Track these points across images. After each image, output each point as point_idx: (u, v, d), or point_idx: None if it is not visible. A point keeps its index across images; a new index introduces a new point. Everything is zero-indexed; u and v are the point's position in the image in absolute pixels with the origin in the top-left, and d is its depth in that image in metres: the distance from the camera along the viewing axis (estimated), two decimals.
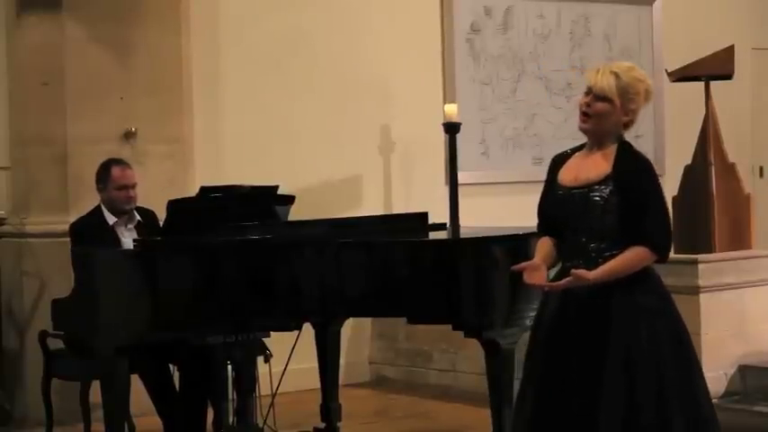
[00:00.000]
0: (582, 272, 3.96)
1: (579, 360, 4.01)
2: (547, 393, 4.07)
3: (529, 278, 4.15)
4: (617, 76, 4.06)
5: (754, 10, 10.42)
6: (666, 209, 4.08)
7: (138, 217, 6.09)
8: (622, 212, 4.00)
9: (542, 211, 4.25)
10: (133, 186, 6.06)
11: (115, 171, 6.06)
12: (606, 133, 4.10)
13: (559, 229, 4.15)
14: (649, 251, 4.00)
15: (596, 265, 4.01)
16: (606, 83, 4.05)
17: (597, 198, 4.03)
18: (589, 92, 4.09)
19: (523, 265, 4.18)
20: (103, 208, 6.07)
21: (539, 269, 4.15)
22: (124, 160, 6.28)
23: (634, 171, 4.04)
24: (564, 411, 4.01)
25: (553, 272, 4.30)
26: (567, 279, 4.00)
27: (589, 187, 4.05)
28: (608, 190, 4.02)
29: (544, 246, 4.23)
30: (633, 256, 3.99)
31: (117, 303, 5.49)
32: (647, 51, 9.79)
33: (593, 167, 4.08)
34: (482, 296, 4.82)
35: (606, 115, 4.07)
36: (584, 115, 4.10)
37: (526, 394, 4.18)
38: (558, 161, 4.22)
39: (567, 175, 4.14)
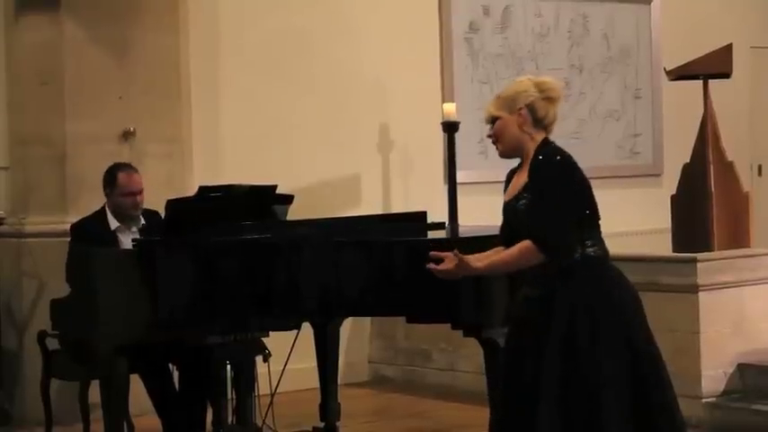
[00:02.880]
0: (467, 258, 4.06)
1: (528, 361, 4.04)
2: (510, 397, 4.12)
3: (442, 266, 4.17)
4: (497, 96, 4.24)
5: (752, 9, 10.43)
6: (559, 205, 4.03)
7: (143, 221, 6.04)
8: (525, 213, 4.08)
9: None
10: (140, 192, 5.99)
11: (121, 177, 5.98)
12: (519, 145, 4.19)
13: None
14: (534, 246, 4.01)
15: (533, 276, 4.07)
16: (490, 107, 4.22)
17: (522, 207, 4.09)
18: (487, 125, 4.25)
19: (446, 254, 4.20)
20: (108, 212, 6.01)
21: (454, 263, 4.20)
22: (131, 165, 6.20)
23: (535, 170, 4.11)
24: (521, 412, 4.04)
25: None
26: (448, 265, 4.09)
27: (516, 198, 4.13)
28: (529, 197, 4.08)
29: (493, 250, 4.25)
30: (516, 251, 4.03)
31: (116, 303, 5.50)
32: (645, 50, 9.79)
33: (521, 179, 4.17)
34: (481, 295, 4.82)
35: (504, 129, 4.18)
36: (494, 144, 4.24)
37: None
38: (510, 176, 4.30)
39: (508, 191, 4.24)
